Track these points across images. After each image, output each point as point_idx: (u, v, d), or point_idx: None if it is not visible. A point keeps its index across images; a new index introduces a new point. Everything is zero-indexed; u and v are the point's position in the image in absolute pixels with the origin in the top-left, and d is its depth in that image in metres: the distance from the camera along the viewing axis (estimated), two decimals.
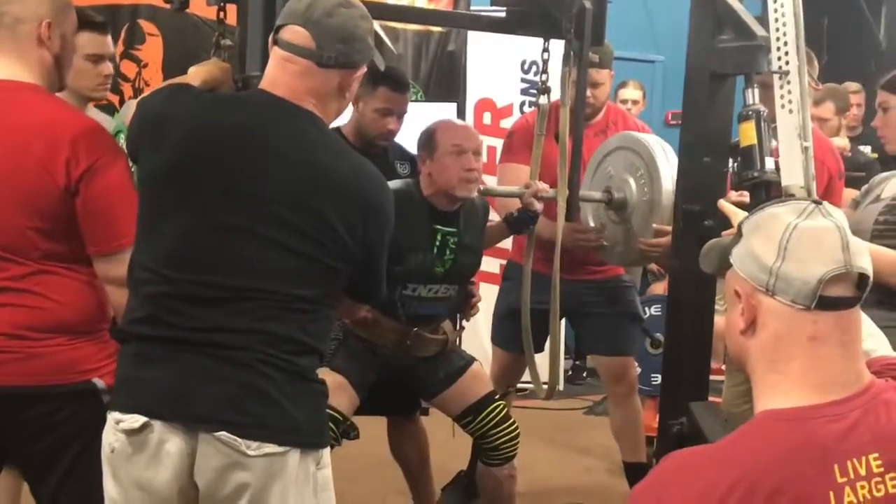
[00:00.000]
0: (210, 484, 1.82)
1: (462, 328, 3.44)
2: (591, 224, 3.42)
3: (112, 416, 1.88)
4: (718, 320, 4.14)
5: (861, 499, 1.32)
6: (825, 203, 1.49)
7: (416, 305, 3.03)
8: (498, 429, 3.13)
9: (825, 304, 1.39)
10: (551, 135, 3.20)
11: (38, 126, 2.05)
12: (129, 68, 4.86)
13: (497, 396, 3.20)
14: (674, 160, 3.11)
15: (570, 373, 6.01)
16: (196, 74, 2.14)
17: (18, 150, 2.03)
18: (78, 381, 2.09)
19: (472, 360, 3.24)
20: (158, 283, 1.85)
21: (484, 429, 3.13)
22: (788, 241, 1.41)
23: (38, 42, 2.12)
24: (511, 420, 3.18)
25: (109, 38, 3.12)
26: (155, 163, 1.90)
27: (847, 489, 1.32)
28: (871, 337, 1.60)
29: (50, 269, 2.08)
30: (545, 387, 3.27)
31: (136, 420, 1.82)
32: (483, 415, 3.13)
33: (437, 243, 3.02)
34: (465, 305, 3.24)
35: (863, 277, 1.43)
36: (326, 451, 1.96)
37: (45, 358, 2.07)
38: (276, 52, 1.93)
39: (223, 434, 1.79)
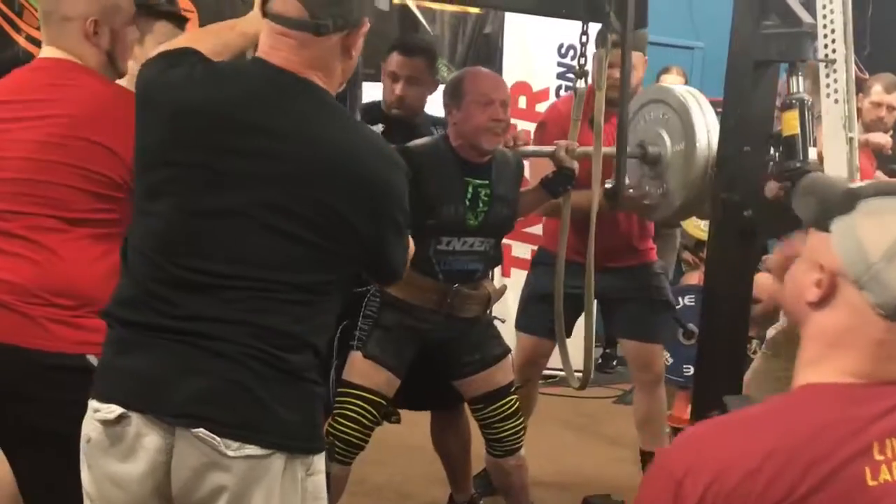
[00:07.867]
0: (185, 484, 1.70)
1: (504, 287, 3.39)
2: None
3: (91, 405, 1.76)
4: (759, 277, 3.89)
5: None
6: None
7: (451, 261, 2.95)
8: (504, 423, 3.10)
9: None
10: (586, 119, 3.15)
11: (100, 102, 2.10)
12: None
13: (513, 389, 3.16)
14: (708, 110, 3.06)
15: (599, 361, 5.94)
16: (205, 39, 1.96)
17: (81, 125, 2.08)
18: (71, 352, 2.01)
19: (507, 350, 3.20)
20: (146, 266, 1.75)
21: (491, 419, 3.10)
22: None
23: (85, 38, 2.20)
24: (518, 416, 3.14)
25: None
26: (146, 139, 1.81)
27: (884, 467, 1.26)
28: None
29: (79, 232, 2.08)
30: (577, 375, 3.24)
31: (111, 410, 1.71)
32: (494, 406, 3.10)
33: (469, 195, 2.94)
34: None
35: None
36: (319, 458, 1.81)
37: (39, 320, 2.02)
38: (268, 24, 1.78)
39: (201, 431, 1.67)
